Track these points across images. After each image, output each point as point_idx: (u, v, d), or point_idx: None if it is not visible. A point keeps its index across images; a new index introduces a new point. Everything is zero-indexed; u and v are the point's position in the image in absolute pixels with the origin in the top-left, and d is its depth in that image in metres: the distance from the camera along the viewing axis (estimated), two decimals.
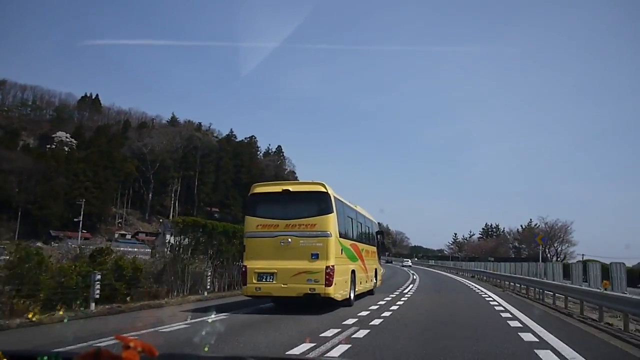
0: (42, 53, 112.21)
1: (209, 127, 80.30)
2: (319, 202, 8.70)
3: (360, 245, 11.47)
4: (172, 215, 55.48)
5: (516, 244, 74.95)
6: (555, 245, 63.98)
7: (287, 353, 4.72)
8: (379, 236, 15.04)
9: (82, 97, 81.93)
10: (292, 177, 72.21)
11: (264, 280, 8.33)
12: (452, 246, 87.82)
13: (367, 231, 13.13)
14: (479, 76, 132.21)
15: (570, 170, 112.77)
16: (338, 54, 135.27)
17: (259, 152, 79.25)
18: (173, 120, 77.63)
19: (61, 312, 7.56)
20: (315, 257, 8.21)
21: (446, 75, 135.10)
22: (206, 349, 1.33)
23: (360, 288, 10.96)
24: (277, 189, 8.94)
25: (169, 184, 64.64)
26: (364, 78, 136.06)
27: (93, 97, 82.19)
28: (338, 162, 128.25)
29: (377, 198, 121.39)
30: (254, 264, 8.44)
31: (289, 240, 8.33)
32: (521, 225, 74.27)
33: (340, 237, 9.01)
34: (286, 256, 8.28)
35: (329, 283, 8.04)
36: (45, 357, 0.93)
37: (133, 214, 62.93)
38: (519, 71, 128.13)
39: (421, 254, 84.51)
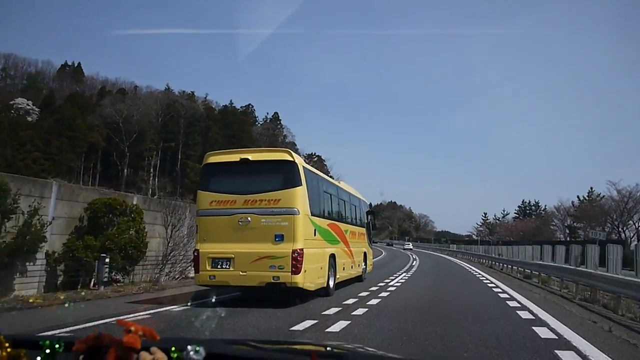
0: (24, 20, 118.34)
1: (206, 97, 79.06)
2: (283, 173, 8.45)
3: (343, 226, 11.49)
4: (152, 194, 55.98)
5: (570, 222, 62.99)
6: (636, 221, 50.27)
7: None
8: (369, 217, 15.35)
9: (62, 65, 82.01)
10: (292, 148, 71.80)
11: (219, 266, 8.19)
12: (482, 228, 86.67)
13: (354, 210, 13.33)
14: (508, 57, 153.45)
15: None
16: (362, 39, 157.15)
17: (257, 123, 78.54)
18: (167, 91, 76.71)
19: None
20: (279, 239, 7.99)
21: (474, 58, 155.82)
22: (207, 332, 1.49)
23: (343, 275, 11.08)
24: (235, 157, 8.68)
25: (146, 157, 64.77)
26: (389, 62, 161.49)
27: (75, 65, 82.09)
28: (363, 148, 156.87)
29: (400, 182, 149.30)
30: (207, 248, 8.30)
31: (249, 218, 8.13)
32: (578, 197, 63.16)
33: (313, 215, 8.85)
34: (245, 238, 8.11)
35: (296, 270, 7.84)
36: (47, 342, 1.04)
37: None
38: (551, 50, 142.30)
39: (444, 239, 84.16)
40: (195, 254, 8.43)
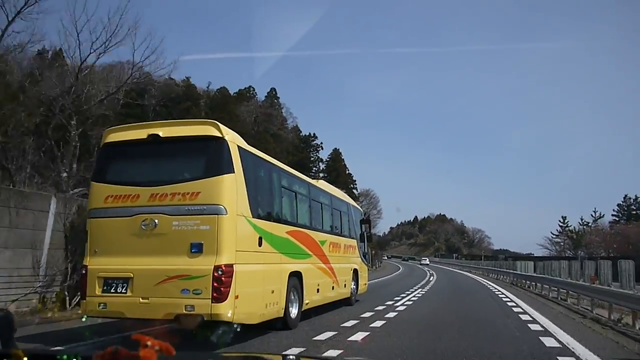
0: None
1: (208, 86, 77.38)
2: (206, 155, 7.89)
3: (319, 236, 11.62)
4: None
5: None
6: None
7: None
8: (363, 227, 16.28)
9: (39, 51, 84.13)
10: (294, 135, 70.76)
11: (112, 290, 7.55)
12: (560, 238, 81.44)
13: (338, 217, 13.86)
14: (568, 71, 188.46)
15: None
16: (417, 57, 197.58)
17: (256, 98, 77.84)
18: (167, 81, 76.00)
19: None
20: (197, 250, 7.29)
21: (532, 73, 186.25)
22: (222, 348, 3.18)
23: (317, 299, 11.09)
24: (141, 134, 8.09)
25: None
26: (444, 80, 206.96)
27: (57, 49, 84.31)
28: (427, 169, 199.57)
29: (453, 196, 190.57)
30: (99, 263, 7.73)
31: (155, 221, 7.48)
32: None
33: (257, 217, 8.29)
34: (150, 249, 7.49)
35: (219, 296, 7.08)
36: (65, 356, 1.33)
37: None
38: (615, 60, 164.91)
39: (503, 256, 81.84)
40: (83, 271, 7.85)
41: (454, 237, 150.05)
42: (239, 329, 7.57)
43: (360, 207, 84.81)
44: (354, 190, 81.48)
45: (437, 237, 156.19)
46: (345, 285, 13.40)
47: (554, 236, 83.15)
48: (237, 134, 8.32)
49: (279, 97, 76.65)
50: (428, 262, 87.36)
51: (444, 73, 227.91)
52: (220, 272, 7.12)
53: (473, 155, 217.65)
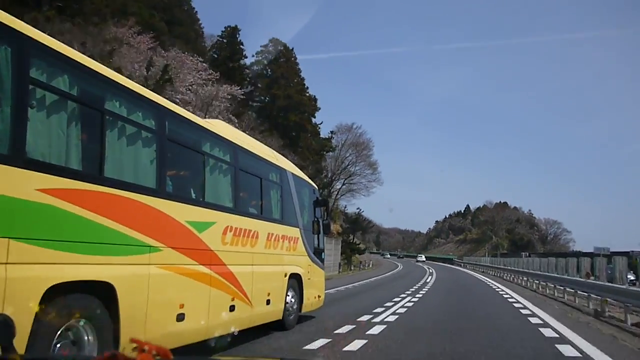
0: None
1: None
2: None
3: (193, 212, 8.59)
4: None
5: None
6: None
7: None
8: (318, 210, 14.56)
9: None
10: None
11: None
12: None
13: (256, 187, 11.58)
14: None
15: None
16: (478, 52, 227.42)
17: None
18: None
19: None
20: None
21: (603, 63, 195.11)
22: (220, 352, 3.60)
23: (178, 331, 7.75)
24: None
25: None
26: (507, 75, 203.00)
27: None
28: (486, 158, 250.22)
29: (520, 186, 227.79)
30: None
31: None
32: None
33: None
34: None
35: None
36: None
37: None
38: None
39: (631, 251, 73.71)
40: None
41: (519, 228, 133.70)
42: (236, 334, 8.28)
43: (340, 159, 72.31)
44: (313, 118, 62.40)
45: (495, 231, 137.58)
46: (269, 300, 11.13)
47: None
48: None
49: None
50: (424, 259, 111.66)
51: (507, 68, 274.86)
52: None
53: (544, 149, 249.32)
